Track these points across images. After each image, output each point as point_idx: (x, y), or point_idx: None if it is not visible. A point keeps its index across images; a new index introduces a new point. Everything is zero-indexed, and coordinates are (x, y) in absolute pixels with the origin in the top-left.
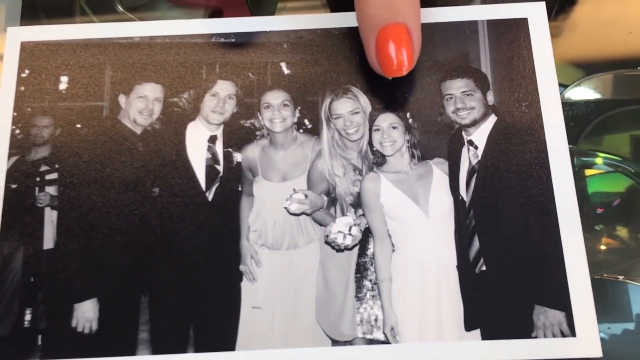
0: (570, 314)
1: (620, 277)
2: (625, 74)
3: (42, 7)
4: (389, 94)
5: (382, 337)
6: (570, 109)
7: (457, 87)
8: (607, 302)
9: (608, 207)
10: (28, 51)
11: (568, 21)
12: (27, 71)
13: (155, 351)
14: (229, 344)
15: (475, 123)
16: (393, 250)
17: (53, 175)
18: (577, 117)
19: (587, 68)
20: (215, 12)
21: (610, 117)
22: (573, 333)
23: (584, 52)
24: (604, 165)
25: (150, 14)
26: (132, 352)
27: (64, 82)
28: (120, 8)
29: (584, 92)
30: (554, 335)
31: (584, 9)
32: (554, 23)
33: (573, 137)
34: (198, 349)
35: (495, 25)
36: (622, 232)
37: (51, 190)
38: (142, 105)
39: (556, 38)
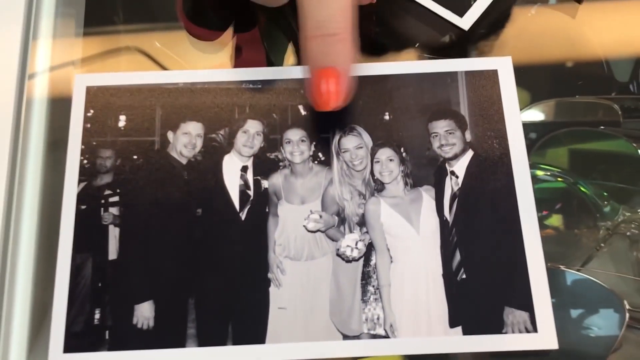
0: (533, 313)
1: (562, 266)
2: (565, 100)
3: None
4: (386, 132)
5: (383, 333)
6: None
7: (441, 126)
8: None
9: (551, 209)
10: (92, 94)
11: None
12: (92, 111)
13: (200, 344)
14: (260, 338)
15: (456, 157)
16: (391, 261)
17: (115, 198)
18: (526, 136)
19: (534, 95)
20: (236, 49)
21: (553, 136)
22: (535, 329)
23: (532, 82)
24: (549, 176)
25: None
26: (182, 345)
27: (122, 120)
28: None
29: (533, 115)
30: (520, 331)
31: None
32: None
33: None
34: (235, 343)
35: (471, 75)
36: (562, 229)
37: (114, 210)
38: (186, 140)
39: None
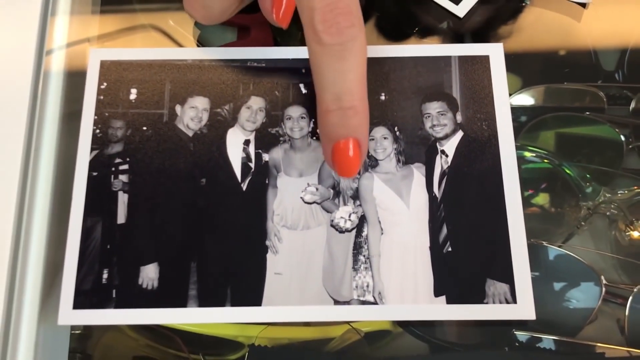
0: (513, 285)
1: (544, 242)
2: (553, 87)
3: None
4: (382, 111)
5: (372, 300)
6: (512, 112)
7: (433, 108)
8: (535, 260)
9: (537, 189)
10: (106, 68)
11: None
12: (105, 84)
13: (201, 305)
14: (257, 301)
15: (447, 137)
16: (382, 233)
17: (125, 167)
18: (516, 119)
19: (525, 80)
20: (244, 29)
21: (541, 120)
22: (514, 301)
23: (523, 69)
24: (535, 157)
25: (189, 26)
26: (184, 305)
27: (133, 94)
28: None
29: (523, 99)
30: (500, 302)
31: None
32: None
33: (513, 134)
34: (233, 304)
35: (464, 60)
36: (546, 207)
37: (123, 178)
38: (193, 114)
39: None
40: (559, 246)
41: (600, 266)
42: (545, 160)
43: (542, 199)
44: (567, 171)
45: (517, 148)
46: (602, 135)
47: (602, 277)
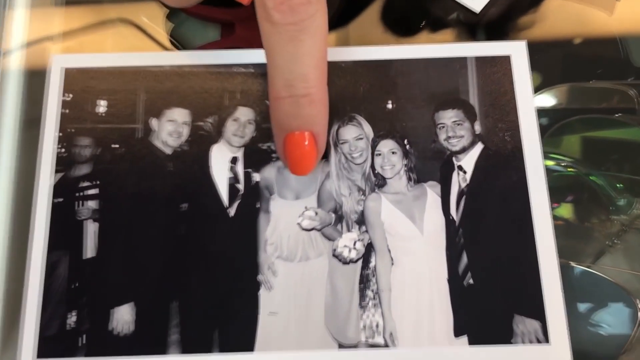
0: (545, 322)
1: (571, 262)
2: (579, 86)
3: None
4: (389, 122)
5: (382, 342)
6: None
7: (448, 117)
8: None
9: (561, 201)
10: (71, 77)
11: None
12: (69, 95)
13: (184, 351)
14: (249, 346)
15: (464, 150)
16: (392, 264)
17: (93, 191)
18: (538, 123)
19: (547, 79)
20: (227, 26)
21: (566, 124)
22: (547, 340)
23: (545, 66)
24: (559, 166)
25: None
26: (164, 352)
27: (102, 106)
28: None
29: (545, 100)
30: (530, 342)
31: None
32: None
33: None
34: (222, 350)
35: (481, 62)
36: (572, 222)
37: (92, 204)
38: (171, 128)
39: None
40: (588, 266)
41: (636, 288)
42: (571, 169)
43: (567, 212)
44: (596, 181)
45: None
46: (634, 140)
47: (638, 301)
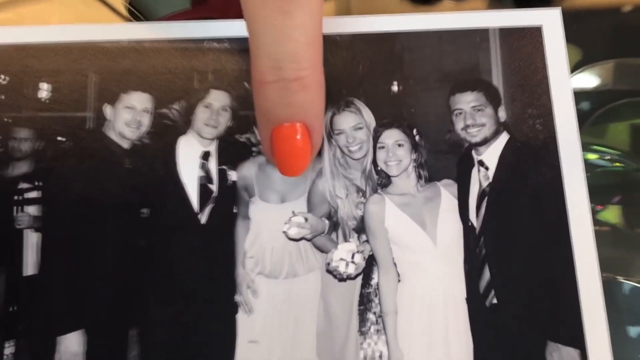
0: (585, 351)
1: (618, 277)
2: (627, 62)
3: None
4: (394, 108)
5: None
6: None
7: (466, 101)
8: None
9: (606, 203)
10: (5, 55)
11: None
12: (5, 78)
13: None
14: None
15: (486, 141)
16: (399, 281)
17: (34, 194)
18: (577, 108)
19: (587, 54)
20: None
21: (611, 109)
22: None
23: (584, 38)
24: (603, 160)
25: None
26: None
27: (44, 90)
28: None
29: (585, 80)
30: None
31: None
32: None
33: None
34: None
35: (507, 34)
36: (620, 227)
37: (32, 210)
38: (129, 117)
39: None
40: (639, 281)
41: None
42: (618, 164)
43: (614, 216)
44: None
45: None
46: None
47: None
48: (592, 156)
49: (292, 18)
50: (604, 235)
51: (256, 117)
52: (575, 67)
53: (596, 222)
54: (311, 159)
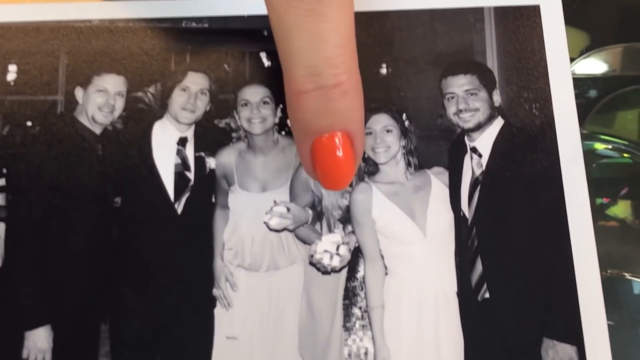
0: (583, 349)
1: (625, 274)
2: (636, 46)
3: None
4: (383, 91)
5: None
6: (575, 85)
7: (459, 84)
8: (612, 302)
9: (613, 196)
10: None
11: None
12: None
13: None
14: None
15: (479, 127)
16: (386, 274)
17: (0, 182)
18: (581, 96)
19: (593, 38)
20: None
21: (618, 96)
22: None
23: (589, 21)
24: (610, 150)
25: None
26: None
27: (12, 72)
28: None
29: (589, 66)
30: None
31: None
32: None
33: (578, 118)
34: None
35: (503, 13)
36: (628, 222)
37: None
38: (101, 101)
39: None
40: None
41: None
42: (625, 154)
43: (622, 210)
44: None
45: (583, 137)
46: None
47: None
48: (598, 146)
49: (327, 21)
50: (610, 230)
51: (293, 131)
52: (581, 52)
53: (602, 216)
54: (356, 168)
